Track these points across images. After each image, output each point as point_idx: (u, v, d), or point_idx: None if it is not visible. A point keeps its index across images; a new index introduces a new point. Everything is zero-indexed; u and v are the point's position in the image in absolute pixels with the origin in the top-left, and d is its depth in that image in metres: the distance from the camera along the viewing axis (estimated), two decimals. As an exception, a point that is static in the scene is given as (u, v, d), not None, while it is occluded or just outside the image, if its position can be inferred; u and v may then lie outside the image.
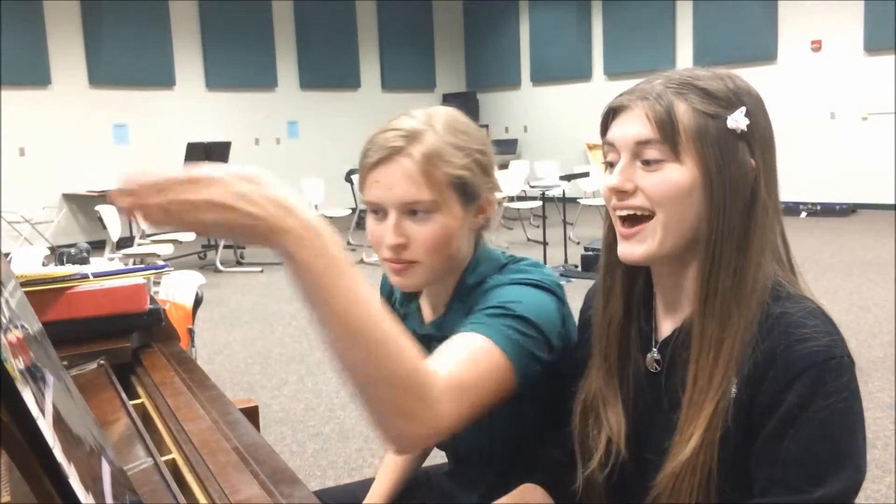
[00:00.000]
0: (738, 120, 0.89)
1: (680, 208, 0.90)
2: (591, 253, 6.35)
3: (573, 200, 8.22)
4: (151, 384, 1.21)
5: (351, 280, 0.79)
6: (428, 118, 1.08)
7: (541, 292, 1.07)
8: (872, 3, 8.97)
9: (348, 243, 8.44)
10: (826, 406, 0.82)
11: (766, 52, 9.79)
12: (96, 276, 1.37)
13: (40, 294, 1.30)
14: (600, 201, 6.44)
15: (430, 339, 1.15)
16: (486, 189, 1.11)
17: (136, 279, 1.38)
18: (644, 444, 0.97)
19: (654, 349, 0.98)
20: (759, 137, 0.91)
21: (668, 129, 0.89)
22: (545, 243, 6.75)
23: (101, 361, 1.26)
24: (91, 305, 1.33)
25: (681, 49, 10.56)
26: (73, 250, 1.44)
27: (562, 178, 6.88)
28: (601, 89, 11.35)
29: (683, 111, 0.89)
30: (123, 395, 1.14)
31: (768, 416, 0.84)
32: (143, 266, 1.47)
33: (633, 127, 0.91)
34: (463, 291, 1.14)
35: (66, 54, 8.82)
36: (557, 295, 1.09)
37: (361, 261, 7.45)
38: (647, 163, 0.91)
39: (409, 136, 1.06)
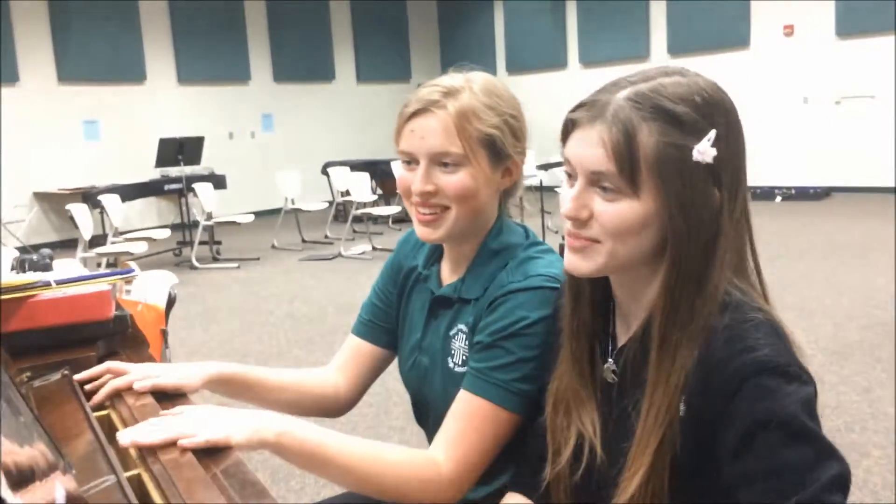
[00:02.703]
0: (703, 152, 0.82)
1: (631, 240, 0.86)
2: (569, 242, 6.37)
3: (550, 189, 8.22)
4: (117, 394, 1.17)
5: (333, 456, 0.99)
6: (467, 79, 1.14)
7: (548, 304, 1.08)
8: (843, -12, 9.04)
9: (325, 237, 8.39)
10: (780, 410, 0.76)
11: (739, 38, 9.84)
12: (59, 283, 1.32)
13: (1, 303, 1.25)
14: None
15: (446, 301, 1.20)
16: (514, 152, 1.15)
17: (101, 286, 1.34)
18: (605, 453, 0.94)
19: (610, 359, 0.96)
20: (728, 161, 0.85)
21: (625, 162, 0.83)
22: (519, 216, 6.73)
23: (65, 371, 1.22)
24: (54, 314, 1.29)
25: (655, 36, 10.59)
26: (35, 256, 1.39)
27: (538, 167, 6.87)
28: (577, 78, 11.36)
29: (645, 139, 0.83)
30: (87, 407, 1.10)
31: (719, 431, 0.80)
32: (107, 272, 1.43)
33: (590, 152, 0.85)
34: (485, 254, 1.17)
35: (34, 50, 8.66)
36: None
37: (340, 254, 7.40)
38: (604, 189, 0.86)
39: (447, 91, 1.11)
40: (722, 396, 0.80)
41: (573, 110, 0.90)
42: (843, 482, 0.75)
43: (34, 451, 0.67)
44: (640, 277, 0.91)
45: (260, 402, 1.24)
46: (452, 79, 1.14)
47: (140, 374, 1.14)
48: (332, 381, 1.32)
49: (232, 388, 1.22)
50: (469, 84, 1.13)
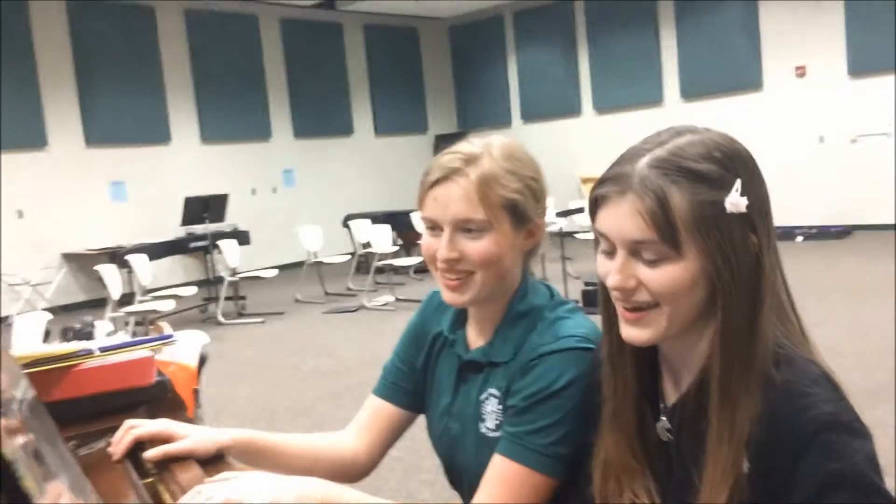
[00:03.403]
0: (736, 203, 0.85)
1: (685, 300, 0.87)
2: (591, 288, 6.36)
3: (570, 235, 8.26)
4: (162, 461, 1.21)
5: None
6: (486, 145, 1.16)
7: (581, 364, 1.09)
8: (854, 27, 9.12)
9: (348, 289, 8.46)
10: (848, 468, 0.78)
11: (751, 81, 9.91)
12: (102, 350, 1.37)
13: (45, 374, 1.30)
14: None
15: (475, 365, 1.21)
16: (536, 214, 1.18)
17: (143, 352, 1.39)
18: None
19: (664, 418, 0.96)
20: (757, 207, 0.87)
21: (665, 228, 0.84)
22: (545, 279, 6.75)
23: (109, 439, 1.26)
24: (97, 382, 1.33)
25: (667, 81, 10.70)
26: (77, 324, 1.45)
27: (558, 214, 6.92)
28: (591, 124, 11.48)
29: (677, 201, 0.85)
30: (133, 475, 1.14)
31: (789, 492, 0.81)
32: (148, 338, 1.47)
33: (626, 223, 0.86)
34: (512, 317, 1.19)
35: (62, 115, 8.91)
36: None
37: (363, 306, 7.45)
38: (646, 259, 0.87)
39: (468, 158, 1.13)
40: (788, 454, 0.81)
41: (597, 186, 0.92)
42: None
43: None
44: (689, 337, 0.92)
45: (275, 469, 1.22)
46: (472, 145, 1.16)
47: (157, 429, 1.18)
48: (351, 445, 1.32)
49: (247, 456, 1.22)
50: (489, 149, 1.15)
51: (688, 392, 0.93)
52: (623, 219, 0.87)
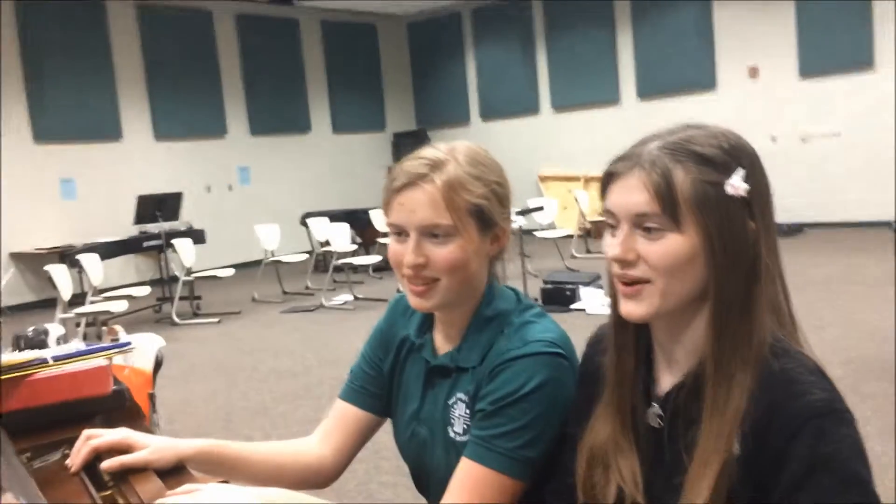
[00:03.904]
0: (736, 186, 0.90)
1: (680, 275, 0.91)
2: (550, 286, 6.41)
3: (529, 233, 8.30)
4: (119, 471, 1.17)
5: None
6: (451, 150, 1.16)
7: (548, 368, 1.10)
8: (805, 29, 9.32)
9: (306, 288, 8.38)
10: (835, 453, 0.83)
11: (705, 81, 10.08)
12: (56, 360, 1.33)
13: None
14: (555, 234, 6.57)
15: (443, 370, 1.21)
16: (501, 219, 1.18)
17: (99, 360, 1.35)
18: (648, 501, 0.96)
19: (655, 404, 0.99)
20: (758, 196, 0.92)
21: (667, 200, 0.89)
22: (504, 278, 6.78)
23: (66, 451, 1.22)
24: (53, 392, 1.29)
25: (624, 81, 10.82)
26: (30, 333, 1.40)
27: (518, 213, 6.94)
28: (550, 122, 11.55)
29: (682, 180, 0.90)
30: (91, 488, 1.10)
31: (777, 471, 0.84)
32: (104, 345, 1.43)
33: (632, 197, 0.91)
34: (479, 322, 1.19)
35: (9, 110, 8.65)
36: (566, 356, 1.13)
37: (321, 305, 7.39)
38: (647, 230, 0.91)
39: (433, 164, 1.13)
40: (780, 438, 0.85)
41: (610, 164, 0.96)
42: None
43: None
44: (683, 319, 0.95)
45: (239, 478, 1.22)
46: (437, 150, 1.16)
47: (115, 439, 1.15)
48: (316, 451, 1.30)
49: (209, 466, 1.20)
50: (453, 155, 1.15)
51: (684, 379, 0.95)
52: (629, 191, 0.92)
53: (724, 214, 0.89)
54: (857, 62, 9.02)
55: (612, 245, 0.94)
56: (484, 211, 1.14)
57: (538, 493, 1.13)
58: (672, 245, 0.90)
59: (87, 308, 6.35)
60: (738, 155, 0.92)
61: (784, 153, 9.64)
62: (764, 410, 0.86)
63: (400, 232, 1.16)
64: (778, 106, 9.65)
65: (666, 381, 0.99)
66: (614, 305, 0.99)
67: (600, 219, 0.98)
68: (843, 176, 9.27)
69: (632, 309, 0.94)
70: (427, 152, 1.16)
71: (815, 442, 0.83)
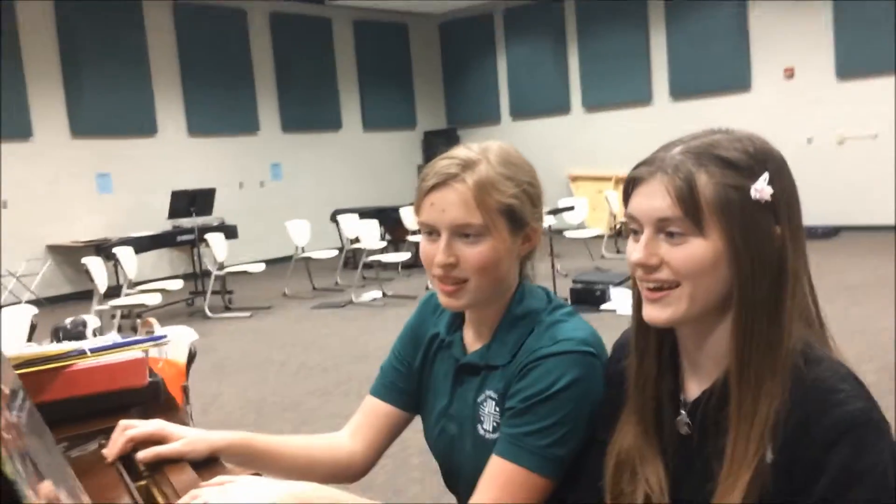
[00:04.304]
0: (760, 190, 0.88)
1: (705, 280, 0.90)
2: (579, 286, 6.38)
3: (559, 233, 8.28)
4: (154, 462, 1.20)
5: None
6: (483, 150, 1.16)
7: (579, 367, 1.10)
8: (842, 30, 9.17)
9: (336, 284, 8.44)
10: (872, 467, 0.82)
11: (740, 81, 9.96)
12: (94, 351, 1.36)
13: (36, 375, 1.28)
14: (585, 234, 6.52)
15: (472, 368, 1.22)
16: (532, 219, 1.18)
17: (135, 353, 1.37)
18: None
19: (683, 412, 0.98)
20: (784, 202, 0.90)
21: (689, 205, 0.88)
22: (534, 277, 6.76)
23: (102, 441, 1.24)
24: (89, 383, 1.32)
25: (656, 80, 10.73)
26: (68, 325, 1.43)
27: (548, 212, 6.92)
28: (580, 122, 11.49)
29: (704, 184, 0.89)
30: (126, 477, 1.13)
31: (812, 481, 0.83)
32: (140, 338, 1.46)
33: (654, 202, 0.91)
34: (509, 320, 1.19)
35: (47, 105, 8.83)
36: (596, 355, 1.13)
37: (351, 301, 7.43)
38: (670, 235, 0.90)
39: (465, 164, 1.13)
40: (818, 446, 0.83)
41: (633, 169, 0.95)
42: None
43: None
44: (709, 326, 0.94)
45: (271, 471, 1.23)
46: (469, 150, 1.16)
47: (150, 430, 1.17)
48: (347, 446, 1.31)
49: (242, 458, 1.21)
50: (485, 155, 1.15)
51: (712, 386, 0.94)
52: (652, 196, 0.91)
53: (748, 219, 0.88)
54: (893, 64, 8.84)
55: (635, 250, 0.93)
56: (515, 211, 1.14)
57: (567, 495, 1.14)
58: (695, 250, 0.89)
59: (122, 300, 6.46)
60: (764, 159, 0.91)
61: (820, 155, 9.51)
62: (799, 419, 0.85)
63: (431, 231, 1.16)
64: (814, 107, 9.51)
65: (693, 388, 0.98)
66: (637, 310, 0.98)
67: (629, 220, 0.97)
68: (879, 179, 9.10)
69: (655, 314, 0.93)
70: (459, 152, 1.16)
71: (853, 453, 0.82)
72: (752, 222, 0.88)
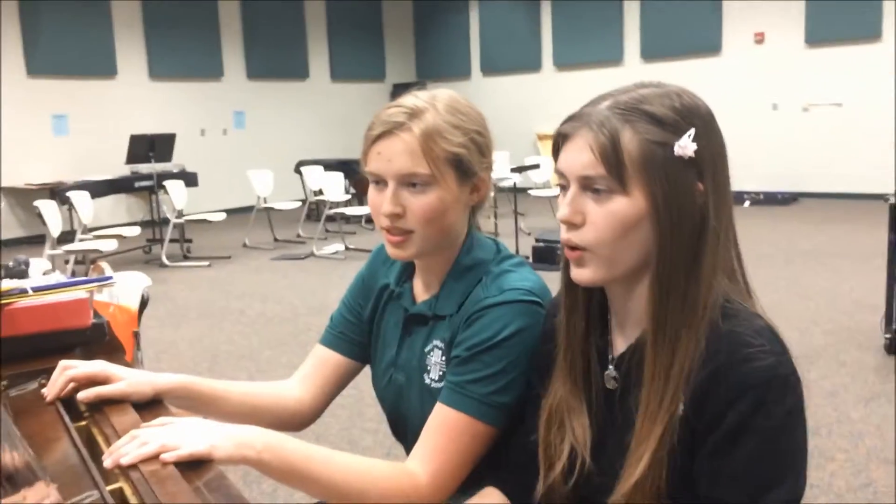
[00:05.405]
0: (684, 146, 0.87)
1: (626, 239, 0.90)
2: (542, 244, 6.40)
3: (523, 191, 8.27)
4: (95, 403, 1.17)
5: (316, 471, 1.00)
6: (431, 98, 1.14)
7: (525, 316, 1.10)
8: (813, -3, 9.21)
9: (298, 236, 8.36)
10: (768, 425, 0.83)
11: (710, 45, 9.97)
12: (36, 290, 1.32)
13: (-24, 311, 1.24)
14: (550, 192, 6.53)
15: (420, 318, 1.22)
16: (481, 168, 1.16)
17: (79, 293, 1.34)
18: (600, 461, 0.97)
19: (611, 366, 0.99)
20: (709, 159, 0.90)
21: (612, 161, 0.88)
22: (496, 234, 6.77)
23: (42, 381, 1.21)
24: (31, 322, 1.28)
25: (628, 41, 10.69)
26: (10, 263, 1.38)
27: (513, 170, 6.90)
28: (551, 80, 11.43)
29: (629, 139, 0.88)
30: (66, 418, 1.10)
31: (710, 434, 0.85)
32: (85, 279, 1.42)
33: (579, 157, 0.90)
34: (458, 271, 1.19)
35: (3, 42, 8.51)
36: (542, 305, 1.13)
37: (312, 254, 7.38)
38: (596, 192, 0.90)
39: (411, 112, 1.11)
40: (721, 402, 0.85)
41: (561, 124, 0.94)
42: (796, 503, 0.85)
43: (18, 460, 0.67)
44: (635, 284, 0.94)
45: (216, 416, 1.22)
46: (416, 98, 1.14)
47: (93, 370, 1.14)
48: (295, 394, 1.30)
49: (186, 401, 1.20)
50: (433, 103, 1.13)
51: (637, 342, 0.95)
52: (577, 153, 0.91)
53: (670, 175, 0.87)
54: (865, 32, 8.91)
55: (560, 206, 0.93)
56: (463, 160, 1.13)
57: (505, 444, 1.14)
58: (618, 207, 0.88)
59: (76, 245, 6.33)
60: (690, 115, 0.89)
61: (784, 121, 9.60)
62: (708, 373, 0.86)
63: (378, 181, 1.15)
64: (781, 73, 9.57)
65: (621, 344, 0.99)
66: (565, 268, 0.98)
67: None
68: (842, 147, 9.23)
69: (578, 273, 0.94)
70: (406, 100, 1.14)
71: (750, 410, 0.83)
72: (674, 179, 0.88)
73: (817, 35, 9.25)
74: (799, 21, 9.38)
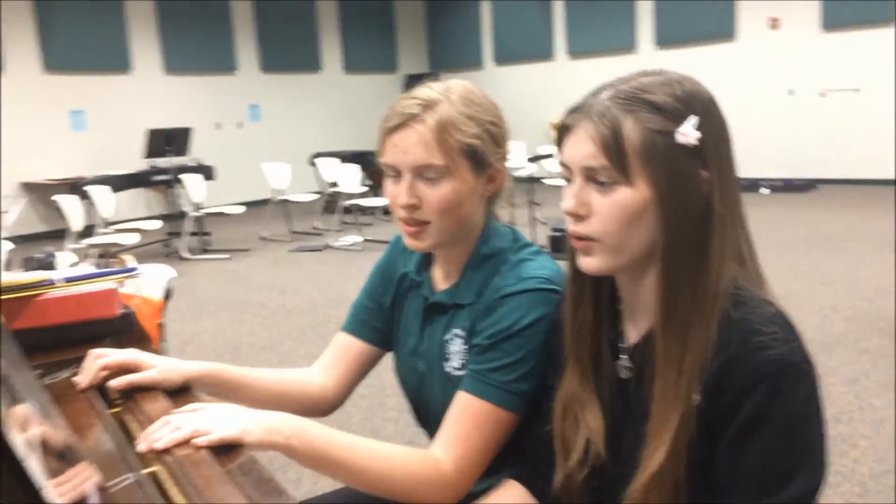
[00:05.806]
0: (686, 134, 0.87)
1: (632, 229, 0.89)
2: (558, 234, 6.39)
3: (538, 181, 8.26)
4: (127, 390, 1.19)
5: (342, 456, 1.02)
6: (445, 89, 1.15)
7: (543, 304, 1.11)
8: (829, -20, 9.10)
9: (314, 228, 8.39)
10: (784, 414, 0.83)
11: (725, 31, 9.89)
12: (65, 281, 1.34)
13: (7, 303, 1.27)
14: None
15: (440, 307, 1.23)
16: (496, 159, 1.17)
17: (106, 284, 1.36)
18: (617, 451, 0.97)
19: (623, 356, 0.99)
20: (712, 146, 0.89)
21: (614, 153, 0.87)
22: (514, 224, 6.76)
23: (76, 369, 1.24)
24: (60, 312, 1.31)
25: (642, 28, 10.62)
26: (39, 254, 1.41)
27: (529, 159, 6.90)
28: (564, 69, 11.38)
29: (630, 129, 0.87)
30: (99, 404, 1.12)
31: (727, 424, 0.85)
32: (111, 270, 1.44)
33: (581, 149, 0.90)
34: (476, 260, 1.20)
35: (19, 39, 8.58)
36: (560, 293, 1.12)
37: (328, 245, 7.41)
38: (600, 184, 0.90)
39: (426, 104, 1.12)
40: (737, 392, 0.84)
41: (564, 116, 0.94)
42: (811, 494, 0.85)
43: (64, 440, 0.69)
44: (644, 273, 0.94)
45: (243, 402, 1.22)
46: (430, 89, 1.15)
47: (124, 359, 1.16)
48: (318, 381, 1.32)
49: (214, 388, 1.22)
50: (447, 94, 1.14)
51: (649, 331, 0.95)
52: (579, 144, 0.91)
53: (673, 164, 0.87)
54: (883, 16, 8.80)
55: (565, 198, 0.93)
56: (477, 151, 1.13)
57: (524, 435, 1.15)
58: (622, 197, 0.88)
59: (97, 239, 6.39)
60: (692, 102, 0.89)
61: (801, 107, 9.51)
62: (722, 362, 0.86)
63: (394, 173, 1.16)
64: (797, 58, 9.47)
65: (632, 333, 0.99)
66: (571, 257, 0.98)
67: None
68: (860, 133, 9.14)
69: (586, 262, 0.94)
70: (420, 92, 1.15)
71: (766, 400, 0.83)
72: (678, 168, 0.87)
73: (834, 19, 9.15)
74: (814, 5, 9.28)
